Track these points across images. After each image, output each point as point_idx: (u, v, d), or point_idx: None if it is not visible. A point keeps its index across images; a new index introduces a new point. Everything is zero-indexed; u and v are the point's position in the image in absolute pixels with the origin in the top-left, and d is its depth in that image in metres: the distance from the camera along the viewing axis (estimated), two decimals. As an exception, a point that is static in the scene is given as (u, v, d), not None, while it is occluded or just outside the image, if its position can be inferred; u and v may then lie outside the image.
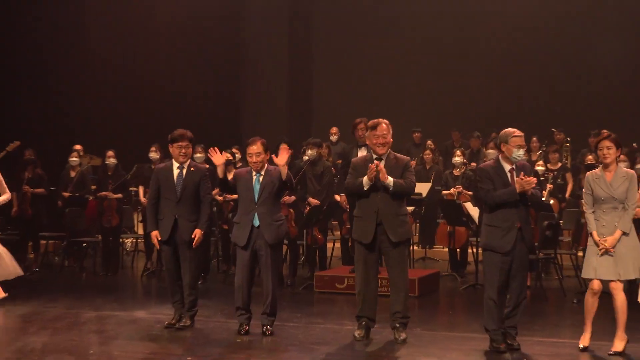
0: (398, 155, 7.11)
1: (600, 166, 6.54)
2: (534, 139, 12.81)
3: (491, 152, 10.55)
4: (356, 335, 6.98)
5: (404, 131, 13.53)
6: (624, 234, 6.33)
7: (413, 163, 8.11)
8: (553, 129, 13.65)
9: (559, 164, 11.78)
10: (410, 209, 9.02)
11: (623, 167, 6.60)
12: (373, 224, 6.83)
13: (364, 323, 7.02)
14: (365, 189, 6.84)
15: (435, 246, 12.07)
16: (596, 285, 6.38)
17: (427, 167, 12.04)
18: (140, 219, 11.53)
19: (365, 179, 6.81)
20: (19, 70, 14.49)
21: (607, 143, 6.43)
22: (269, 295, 7.07)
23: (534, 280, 9.28)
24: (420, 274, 9.58)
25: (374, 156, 6.94)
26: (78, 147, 12.52)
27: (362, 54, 18.00)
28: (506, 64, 16.75)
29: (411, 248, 10.58)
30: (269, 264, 7.06)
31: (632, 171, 6.55)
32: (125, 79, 15.65)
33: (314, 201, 10.19)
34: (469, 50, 17.09)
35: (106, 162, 11.44)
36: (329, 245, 11.07)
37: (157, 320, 7.61)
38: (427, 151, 12.45)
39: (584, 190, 6.63)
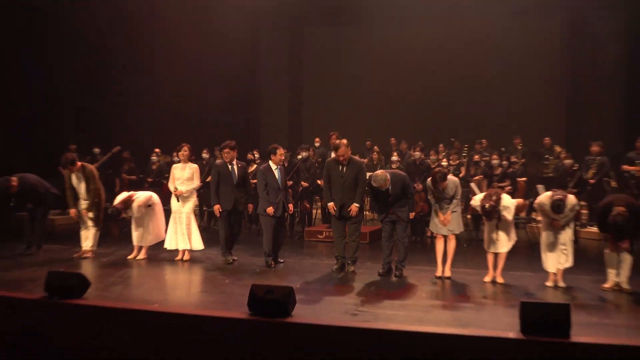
0: (354, 158, 8.16)
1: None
2: (441, 146, 14.49)
3: (417, 154, 11.45)
4: (334, 269, 8.12)
5: (360, 140, 15.38)
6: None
7: (365, 161, 9.54)
8: (452, 139, 15.48)
9: (458, 161, 13.10)
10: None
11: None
12: (338, 205, 8.04)
13: (339, 260, 8.12)
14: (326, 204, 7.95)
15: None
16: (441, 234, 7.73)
17: (374, 163, 13.33)
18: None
19: (329, 205, 7.88)
20: (126, 90, 15.53)
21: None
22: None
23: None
24: (370, 229, 11.02)
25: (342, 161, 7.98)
26: (157, 150, 13.72)
27: (340, 87, 19.01)
28: (438, 87, 18.00)
29: (364, 213, 11.58)
30: (282, 224, 8.78)
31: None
32: (182, 98, 17.01)
33: (305, 184, 11.28)
34: (408, 79, 18.32)
35: (172, 160, 12.83)
36: (314, 211, 12.27)
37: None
38: (375, 153, 13.50)
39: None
